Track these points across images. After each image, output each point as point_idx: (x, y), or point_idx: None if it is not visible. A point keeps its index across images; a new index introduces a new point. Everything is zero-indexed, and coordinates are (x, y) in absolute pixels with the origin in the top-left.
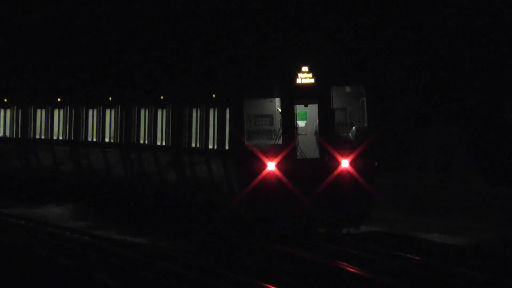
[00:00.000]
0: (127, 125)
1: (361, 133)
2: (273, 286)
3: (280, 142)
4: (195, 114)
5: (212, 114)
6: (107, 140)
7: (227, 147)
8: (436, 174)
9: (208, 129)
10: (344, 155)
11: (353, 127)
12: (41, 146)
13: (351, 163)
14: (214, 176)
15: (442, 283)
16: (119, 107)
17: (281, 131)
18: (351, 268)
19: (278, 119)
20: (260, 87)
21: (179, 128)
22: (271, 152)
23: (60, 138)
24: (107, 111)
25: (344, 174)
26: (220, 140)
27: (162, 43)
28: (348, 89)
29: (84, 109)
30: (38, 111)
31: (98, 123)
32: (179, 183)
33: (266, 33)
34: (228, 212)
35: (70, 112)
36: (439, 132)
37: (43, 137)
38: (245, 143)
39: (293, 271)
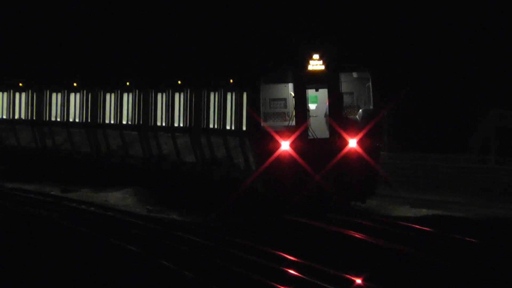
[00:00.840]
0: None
1: (367, 115)
2: (286, 254)
3: (293, 123)
4: (213, 98)
5: (229, 98)
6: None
7: (244, 128)
8: (496, 157)
9: (225, 111)
10: (352, 135)
11: (360, 110)
12: (110, 131)
13: (358, 143)
14: (231, 154)
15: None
16: (188, 91)
17: (294, 113)
18: (358, 234)
19: (291, 102)
20: (275, 73)
21: (198, 110)
22: (285, 132)
23: (129, 122)
24: (176, 95)
25: (352, 153)
26: (238, 121)
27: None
28: (355, 74)
29: (152, 93)
30: (108, 96)
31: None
32: (200, 160)
33: (279, 22)
34: (246, 187)
35: (139, 96)
36: (498, 115)
37: (112, 121)
38: (261, 124)
39: (308, 238)
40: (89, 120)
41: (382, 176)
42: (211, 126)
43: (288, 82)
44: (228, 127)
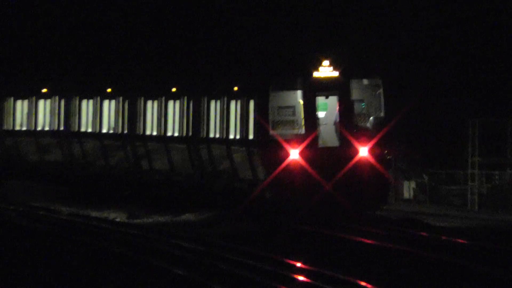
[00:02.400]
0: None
1: (378, 122)
2: (296, 261)
3: (303, 131)
4: (214, 106)
5: (233, 106)
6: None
7: (251, 137)
8: None
9: (229, 120)
10: (363, 144)
11: (371, 117)
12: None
13: (369, 151)
14: (236, 164)
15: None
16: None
17: (303, 121)
18: (369, 240)
19: (300, 109)
20: (284, 80)
21: (197, 119)
22: (294, 141)
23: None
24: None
25: (363, 161)
26: (244, 130)
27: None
28: (365, 81)
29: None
30: (149, 103)
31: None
32: (198, 171)
33: (288, 28)
34: (254, 197)
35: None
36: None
37: (154, 133)
38: (270, 132)
39: (318, 246)
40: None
41: (393, 185)
42: (211, 135)
43: (297, 89)
44: (231, 136)
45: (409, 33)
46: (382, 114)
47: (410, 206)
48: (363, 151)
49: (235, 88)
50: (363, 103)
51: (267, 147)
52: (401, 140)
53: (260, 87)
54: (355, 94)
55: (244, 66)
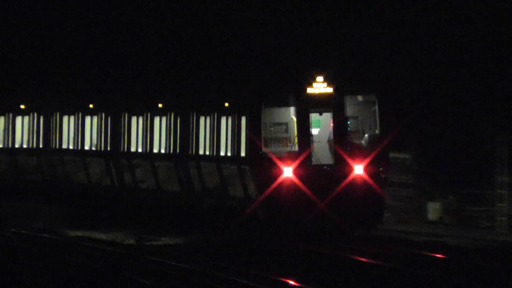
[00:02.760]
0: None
1: (373, 140)
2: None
3: (296, 149)
4: (204, 122)
5: (224, 122)
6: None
7: (242, 154)
8: None
9: (219, 136)
10: (358, 161)
11: (366, 135)
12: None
13: (364, 169)
14: (226, 182)
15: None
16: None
17: (296, 138)
18: (364, 258)
19: (293, 126)
20: (277, 96)
21: (186, 135)
22: (287, 158)
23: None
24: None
25: (358, 180)
26: (235, 147)
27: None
28: (360, 98)
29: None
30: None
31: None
32: (185, 189)
33: (280, 44)
34: (245, 215)
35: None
36: None
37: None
38: (263, 149)
39: (311, 264)
40: (177, 151)
41: (388, 204)
42: (201, 152)
43: (290, 106)
44: (222, 153)
45: (422, 38)
46: (377, 131)
47: (434, 228)
48: (358, 169)
49: (226, 104)
50: (349, 121)
51: (259, 164)
52: (422, 156)
53: (252, 103)
54: (349, 111)
55: (235, 81)
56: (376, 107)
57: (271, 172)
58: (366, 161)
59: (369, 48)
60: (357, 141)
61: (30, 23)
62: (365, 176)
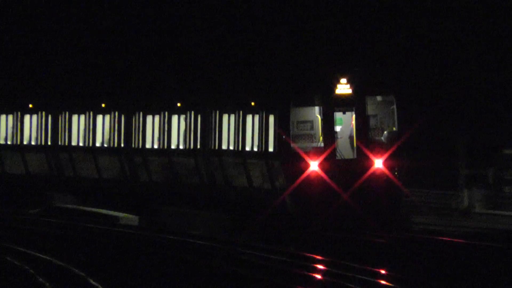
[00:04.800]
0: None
1: (392, 136)
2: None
3: (322, 144)
4: (227, 120)
5: (250, 119)
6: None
7: (271, 149)
8: None
9: (245, 133)
10: (378, 156)
11: (385, 131)
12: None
13: (384, 163)
14: (252, 175)
15: None
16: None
17: (322, 134)
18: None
19: (318, 124)
20: (304, 97)
21: (207, 132)
22: (313, 153)
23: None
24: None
25: (378, 173)
26: (263, 143)
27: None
28: (379, 98)
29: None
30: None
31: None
32: (205, 182)
33: (306, 47)
34: (274, 206)
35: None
36: None
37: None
38: (291, 145)
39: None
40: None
41: (406, 195)
42: (224, 147)
43: (315, 105)
44: (248, 148)
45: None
46: (395, 128)
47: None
48: (378, 163)
49: (252, 103)
50: (369, 119)
51: (288, 159)
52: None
53: (281, 103)
54: (370, 110)
55: (262, 82)
56: (394, 106)
57: (299, 166)
58: (385, 156)
59: (388, 52)
60: (376, 138)
61: (43, 21)
62: (385, 169)
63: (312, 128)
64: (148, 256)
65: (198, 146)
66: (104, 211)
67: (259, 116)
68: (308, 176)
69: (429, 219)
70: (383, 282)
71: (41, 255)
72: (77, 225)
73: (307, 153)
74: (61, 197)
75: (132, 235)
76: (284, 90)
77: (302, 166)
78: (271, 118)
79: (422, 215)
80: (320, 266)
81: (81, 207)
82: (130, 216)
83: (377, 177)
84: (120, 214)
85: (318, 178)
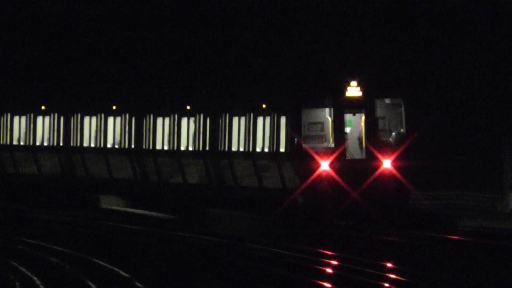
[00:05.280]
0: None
1: (400, 137)
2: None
3: (332, 145)
4: (237, 122)
5: (261, 121)
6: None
7: (282, 150)
8: None
9: (255, 134)
10: (386, 156)
11: (393, 133)
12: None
13: (392, 163)
14: (262, 174)
15: None
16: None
17: (332, 135)
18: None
19: (328, 125)
20: (315, 99)
21: (217, 134)
22: (324, 153)
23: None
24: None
25: (386, 172)
26: (274, 144)
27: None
28: (387, 100)
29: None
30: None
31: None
32: (214, 182)
33: (317, 51)
34: (286, 204)
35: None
36: None
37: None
38: (303, 146)
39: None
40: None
41: (415, 195)
42: (234, 149)
43: (325, 107)
44: (258, 149)
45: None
46: (403, 130)
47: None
48: (387, 163)
49: (264, 106)
50: (378, 121)
51: (300, 159)
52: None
53: (293, 105)
54: (378, 112)
55: (271, 85)
56: (402, 109)
57: (311, 165)
58: (393, 156)
59: (396, 56)
60: (385, 139)
61: (52, 24)
62: (393, 169)
63: (322, 129)
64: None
65: (207, 148)
66: (148, 213)
67: (271, 118)
68: (319, 176)
69: (475, 222)
70: (392, 275)
71: (104, 263)
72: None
73: (318, 153)
74: (105, 199)
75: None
76: (296, 93)
77: (313, 165)
78: (283, 120)
79: (468, 217)
80: (333, 262)
81: (127, 209)
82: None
83: (386, 176)
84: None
85: (328, 177)
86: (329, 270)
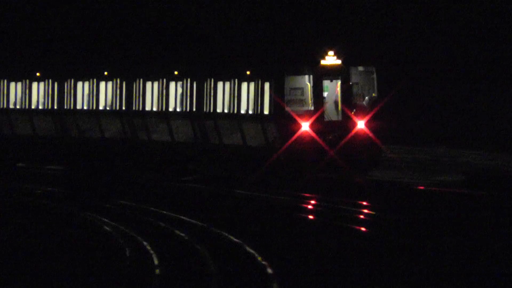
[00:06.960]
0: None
1: (372, 101)
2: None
3: (312, 108)
4: (222, 87)
5: (245, 87)
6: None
7: (266, 112)
8: None
9: (240, 98)
10: (360, 118)
11: (366, 97)
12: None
13: (365, 124)
14: (246, 135)
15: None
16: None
17: (312, 99)
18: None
19: (308, 90)
20: (297, 67)
21: (202, 97)
22: (304, 115)
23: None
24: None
25: (360, 132)
26: (258, 107)
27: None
28: (361, 68)
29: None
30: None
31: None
32: (200, 141)
33: (298, 23)
34: (270, 161)
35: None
36: None
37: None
38: (285, 109)
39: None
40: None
41: (385, 151)
42: (219, 110)
43: (305, 74)
44: (243, 112)
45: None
46: (375, 95)
47: None
48: (361, 124)
49: (248, 72)
50: (353, 86)
51: (282, 120)
52: None
53: (277, 72)
54: (353, 78)
55: (255, 54)
56: (375, 75)
57: (292, 126)
58: (366, 118)
59: (369, 26)
60: (359, 102)
61: None
62: (366, 130)
63: (303, 94)
64: None
65: (194, 109)
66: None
67: (255, 84)
68: (300, 135)
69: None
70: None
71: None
72: None
73: (299, 115)
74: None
75: None
76: (279, 61)
77: (295, 126)
78: (267, 85)
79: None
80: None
81: None
82: None
83: (360, 136)
84: None
85: (309, 137)
86: (310, 207)
